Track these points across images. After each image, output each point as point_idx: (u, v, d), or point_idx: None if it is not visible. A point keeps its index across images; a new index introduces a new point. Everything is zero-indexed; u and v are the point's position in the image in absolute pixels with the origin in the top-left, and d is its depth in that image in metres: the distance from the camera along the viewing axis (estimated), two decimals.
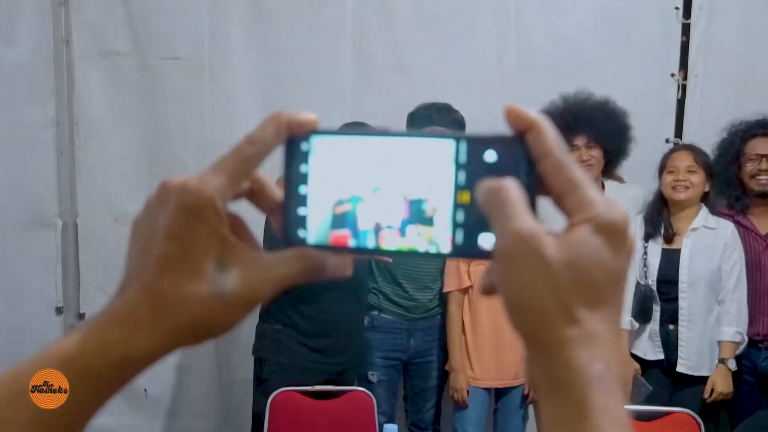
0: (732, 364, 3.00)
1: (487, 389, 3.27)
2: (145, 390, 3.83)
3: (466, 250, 0.52)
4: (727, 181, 3.25)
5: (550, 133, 0.49)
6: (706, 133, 3.34)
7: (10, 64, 3.49)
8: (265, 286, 0.52)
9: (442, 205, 0.52)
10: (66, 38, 3.70)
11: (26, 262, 3.63)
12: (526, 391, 3.25)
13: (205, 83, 3.65)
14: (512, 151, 0.50)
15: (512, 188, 0.48)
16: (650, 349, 3.10)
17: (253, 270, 0.52)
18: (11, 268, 3.53)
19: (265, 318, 3.10)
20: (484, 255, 0.51)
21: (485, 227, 0.50)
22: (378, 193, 0.53)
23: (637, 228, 3.18)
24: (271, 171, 0.56)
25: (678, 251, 3.08)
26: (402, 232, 0.53)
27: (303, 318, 3.01)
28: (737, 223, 3.17)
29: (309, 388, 2.92)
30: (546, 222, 0.47)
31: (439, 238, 0.52)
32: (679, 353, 3.04)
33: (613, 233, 0.47)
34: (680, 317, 3.04)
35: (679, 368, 3.04)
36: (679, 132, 3.52)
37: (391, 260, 3.07)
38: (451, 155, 0.52)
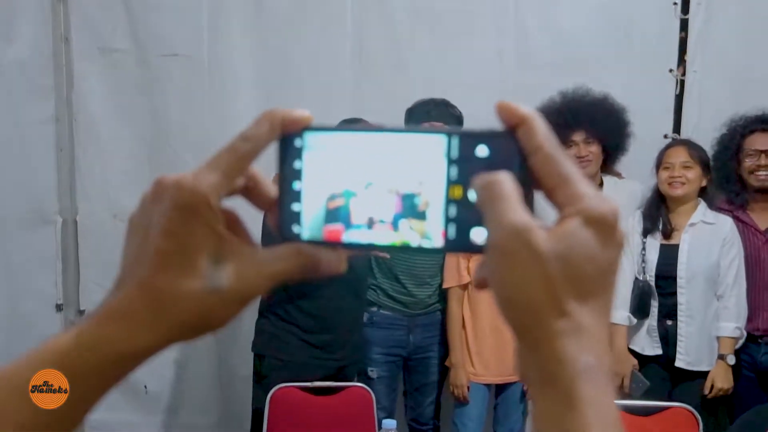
0: (731, 360, 3.00)
1: (488, 385, 3.28)
2: (145, 386, 3.84)
3: (459, 244, 0.52)
4: (726, 177, 3.25)
5: (541, 128, 0.50)
6: (704, 128, 3.34)
7: (9, 61, 3.49)
8: (260, 282, 0.53)
9: (434, 199, 0.52)
10: (65, 35, 3.70)
11: (26, 260, 3.63)
12: (525, 388, 3.26)
13: (204, 80, 3.66)
14: (504, 146, 0.51)
15: (506, 182, 0.48)
16: (648, 344, 3.11)
17: (248, 265, 0.52)
18: (11, 266, 3.53)
19: (265, 314, 3.10)
20: (476, 249, 0.51)
21: (477, 222, 0.50)
22: (371, 188, 0.53)
23: (635, 223, 3.19)
24: (267, 168, 0.57)
25: (676, 246, 3.08)
26: (395, 226, 0.53)
27: (302, 314, 3.02)
28: (736, 219, 3.18)
29: (308, 384, 2.92)
30: (541, 216, 0.48)
31: (431, 232, 0.52)
32: (678, 348, 3.05)
33: (603, 226, 0.47)
34: (679, 312, 3.04)
35: (678, 363, 3.04)
36: (677, 128, 3.51)
37: (388, 256, 3.07)
38: (443, 150, 0.52)
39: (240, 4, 3.64)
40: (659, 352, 3.09)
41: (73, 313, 3.84)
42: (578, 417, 0.45)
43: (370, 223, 0.53)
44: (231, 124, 3.64)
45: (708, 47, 3.46)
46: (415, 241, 0.53)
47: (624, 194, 3.30)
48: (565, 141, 3.22)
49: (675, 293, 3.05)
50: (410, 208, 0.53)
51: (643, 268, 3.11)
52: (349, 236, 0.54)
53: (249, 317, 3.20)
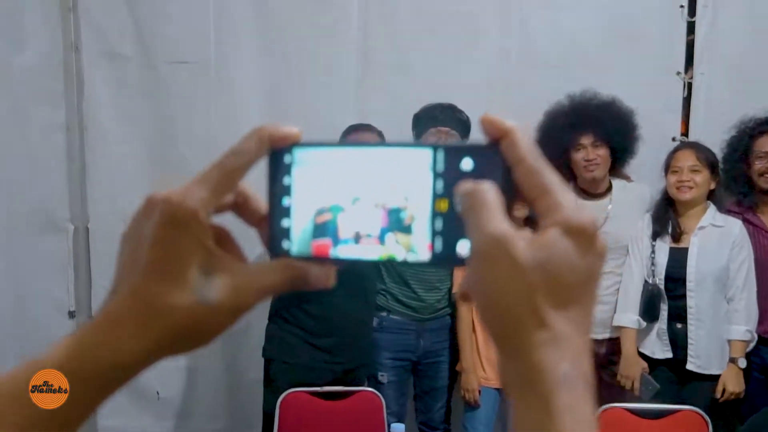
0: (742, 363, 3.00)
1: (498, 389, 3.28)
2: (158, 392, 3.86)
3: (445, 257, 0.53)
4: (735, 179, 3.25)
5: (523, 141, 0.51)
6: (712, 131, 3.32)
7: (19, 69, 3.52)
8: (248, 296, 0.54)
9: (420, 213, 0.53)
10: (75, 43, 3.72)
11: (39, 267, 3.67)
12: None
13: (211, 86, 3.68)
14: (488, 159, 0.52)
15: (489, 191, 0.49)
16: (658, 347, 3.10)
17: (237, 279, 0.53)
18: (24, 273, 3.56)
19: (273, 318, 3.12)
20: (462, 262, 0.52)
21: (463, 234, 0.51)
22: (358, 203, 0.54)
23: (644, 227, 3.19)
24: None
25: (686, 250, 3.08)
26: (381, 240, 0.54)
27: (309, 317, 3.03)
28: (746, 221, 3.17)
29: (318, 388, 2.93)
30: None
31: (417, 245, 0.53)
32: (688, 351, 3.04)
33: (582, 235, 0.48)
34: (688, 316, 3.04)
35: (689, 366, 3.04)
36: (685, 130, 3.51)
37: None
38: (428, 164, 0.53)
39: (246, 10, 3.65)
40: (669, 355, 3.08)
41: (85, 320, 3.86)
42: (555, 424, 0.46)
43: (357, 238, 0.54)
44: (238, 129, 3.61)
45: (715, 49, 3.46)
46: (401, 255, 0.53)
47: (633, 197, 3.30)
48: (573, 144, 3.22)
49: (684, 296, 3.05)
50: (396, 222, 0.53)
51: (653, 271, 3.11)
52: (336, 251, 0.55)
53: (258, 322, 3.22)
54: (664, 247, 3.12)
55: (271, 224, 0.56)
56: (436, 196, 0.53)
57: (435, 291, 3.30)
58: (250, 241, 0.58)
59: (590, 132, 3.19)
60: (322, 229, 0.55)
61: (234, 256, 0.55)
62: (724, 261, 3.05)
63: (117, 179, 3.77)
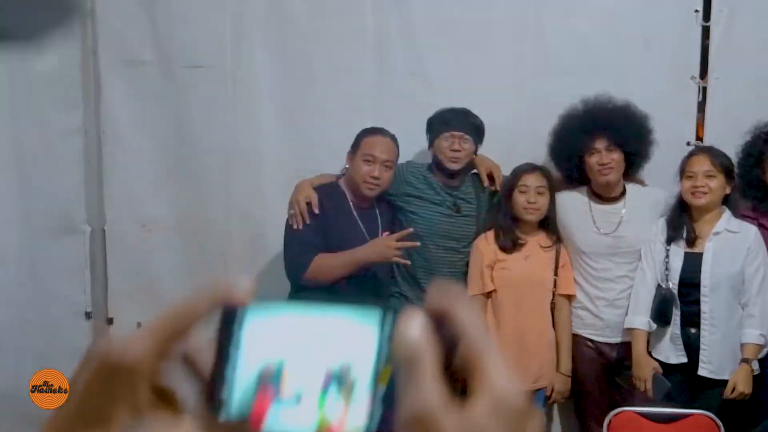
0: (755, 366, 2.99)
1: None
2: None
3: (382, 423, 0.52)
4: (750, 184, 3.23)
5: (463, 319, 0.52)
6: (727, 135, 3.31)
7: (38, 73, 3.56)
8: None
9: (362, 376, 0.52)
10: (93, 48, 3.77)
11: (56, 268, 3.70)
12: (547, 393, 3.27)
13: (227, 91, 3.71)
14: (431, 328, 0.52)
15: (425, 356, 0.50)
16: (672, 352, 3.10)
17: None
18: (41, 274, 3.60)
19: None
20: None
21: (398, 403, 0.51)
22: (302, 364, 0.54)
23: (658, 231, 3.19)
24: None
25: (700, 255, 3.07)
26: (321, 403, 0.53)
27: None
28: (761, 226, 3.16)
29: None
30: None
31: (356, 409, 0.52)
32: (701, 357, 3.03)
33: (510, 414, 0.48)
34: (702, 321, 3.03)
35: (701, 372, 3.03)
36: (700, 135, 3.50)
37: (408, 263, 3.09)
38: (376, 327, 0.53)
39: (262, 16, 3.68)
40: (684, 360, 3.07)
41: (101, 321, 3.90)
42: None
43: (298, 399, 0.53)
44: (254, 133, 3.70)
45: (730, 54, 3.45)
46: (337, 419, 0.52)
47: (647, 201, 3.31)
48: (588, 148, 3.22)
49: (698, 301, 3.04)
50: (338, 385, 0.53)
51: (667, 275, 3.11)
52: (275, 412, 0.53)
53: None
54: (678, 251, 3.12)
55: (214, 380, 0.54)
56: (379, 361, 0.52)
57: None
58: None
59: (604, 136, 3.20)
60: (265, 387, 0.54)
61: (170, 408, 0.54)
62: (738, 266, 3.04)
63: (133, 182, 3.82)
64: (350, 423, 0.52)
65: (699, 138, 3.49)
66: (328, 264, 2.97)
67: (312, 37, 3.68)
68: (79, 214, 3.79)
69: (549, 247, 3.30)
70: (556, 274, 3.29)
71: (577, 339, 3.34)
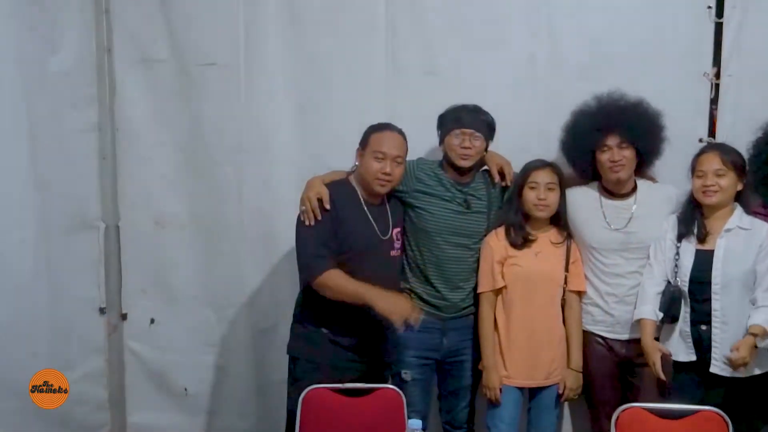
0: (760, 343, 2.92)
1: (521, 388, 3.29)
2: (185, 389, 3.93)
3: None
4: (762, 180, 3.21)
5: None
6: (739, 132, 3.29)
7: (54, 71, 3.60)
8: None
9: None
10: (108, 46, 3.82)
11: (70, 264, 3.74)
12: (560, 390, 3.27)
13: (241, 88, 3.73)
14: None
15: None
16: (682, 350, 3.08)
17: None
18: (56, 270, 3.63)
19: (299, 318, 3.15)
20: None
21: None
22: None
23: (669, 228, 3.18)
24: None
25: (711, 252, 3.05)
26: None
27: (334, 317, 3.05)
28: None
29: (340, 385, 2.96)
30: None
31: None
32: (713, 354, 3.02)
33: None
34: (713, 319, 3.01)
35: (712, 369, 3.01)
36: (712, 131, 3.48)
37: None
38: None
39: (275, 14, 3.69)
40: (693, 358, 3.06)
41: (115, 317, 3.94)
42: None
43: None
44: (267, 130, 3.73)
45: (743, 51, 3.42)
46: None
47: (658, 198, 3.30)
48: (600, 145, 3.22)
49: (709, 299, 3.02)
50: None
51: (676, 273, 3.10)
52: None
53: (286, 321, 3.25)
54: (689, 248, 3.11)
55: None
56: None
57: (459, 290, 3.31)
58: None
59: (617, 133, 3.19)
60: None
61: None
62: (750, 264, 3.02)
63: (147, 179, 3.87)
64: None
65: (712, 135, 3.47)
66: (337, 285, 2.96)
67: (324, 35, 3.69)
68: (93, 211, 3.84)
69: (560, 243, 3.30)
70: (566, 270, 3.28)
71: (587, 336, 3.33)
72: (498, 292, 3.28)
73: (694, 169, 3.12)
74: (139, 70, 3.82)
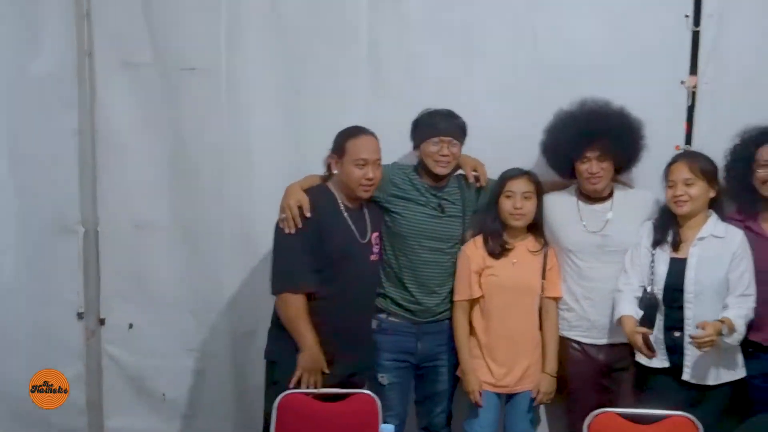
0: (725, 334, 2.90)
1: (499, 394, 3.30)
2: (164, 394, 3.92)
3: None
4: (738, 187, 3.24)
5: None
6: (717, 139, 3.31)
7: (34, 74, 3.61)
8: None
9: None
10: (88, 49, 3.80)
11: (49, 268, 3.75)
12: (533, 395, 3.28)
13: (222, 93, 3.73)
14: None
15: None
16: (657, 356, 3.09)
17: None
18: (35, 274, 3.64)
19: (277, 322, 3.15)
20: None
21: None
22: None
23: (645, 235, 3.20)
24: None
25: (684, 260, 3.07)
26: None
27: (312, 323, 3.05)
28: (748, 229, 3.16)
29: (316, 390, 2.97)
30: None
31: None
32: (684, 361, 3.04)
33: None
34: (686, 326, 3.01)
35: (684, 377, 3.03)
36: (689, 139, 3.51)
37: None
38: None
39: (257, 18, 3.70)
40: (667, 364, 3.08)
41: (94, 322, 3.92)
42: None
43: None
44: (248, 135, 3.73)
45: (720, 59, 3.44)
46: None
47: (634, 203, 3.33)
48: (579, 156, 3.24)
49: (683, 306, 3.04)
50: None
51: (652, 280, 3.11)
52: None
53: (265, 326, 3.25)
54: (663, 256, 3.12)
55: None
56: None
57: (434, 295, 3.32)
58: None
59: (597, 147, 3.20)
60: None
61: None
62: (723, 272, 3.03)
63: (128, 183, 3.86)
64: None
65: (688, 142, 3.49)
66: (290, 311, 3.04)
67: (306, 40, 3.69)
68: (73, 215, 3.83)
69: (537, 251, 3.31)
70: (544, 277, 3.29)
71: (563, 342, 3.34)
72: (475, 300, 3.29)
73: (667, 179, 3.14)
74: (120, 73, 3.81)
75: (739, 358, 3.10)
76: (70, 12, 3.75)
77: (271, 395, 3.05)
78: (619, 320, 3.11)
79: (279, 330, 3.14)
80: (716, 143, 3.29)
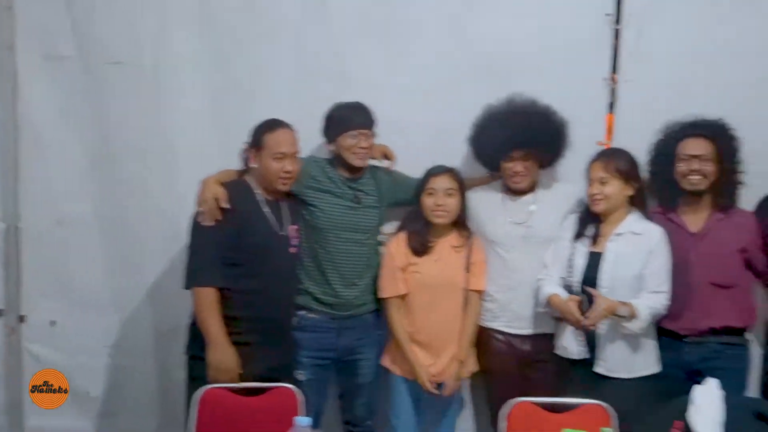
0: (624, 317, 2.97)
1: (414, 381, 3.32)
2: (88, 392, 3.85)
3: None
4: (662, 181, 3.30)
5: None
6: (637, 136, 3.37)
7: None
8: None
9: None
10: (10, 43, 3.73)
11: None
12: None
13: (148, 88, 3.69)
14: None
15: None
16: (575, 347, 3.14)
17: None
18: None
19: (196, 319, 3.11)
20: None
21: None
22: None
23: (567, 227, 3.23)
24: None
25: (601, 254, 3.12)
26: None
27: (231, 317, 3.04)
28: (669, 221, 3.23)
29: (236, 384, 2.94)
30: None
31: None
32: (597, 354, 3.09)
33: None
34: None
35: (596, 369, 3.09)
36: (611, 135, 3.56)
37: None
38: None
39: (184, 13, 3.67)
40: (586, 356, 3.12)
41: (14, 320, 3.84)
42: None
43: None
44: (173, 131, 3.69)
45: (641, 57, 3.49)
46: None
47: (557, 195, 3.39)
48: (504, 155, 3.27)
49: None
50: None
51: (570, 272, 3.15)
52: None
53: (186, 323, 3.21)
54: (582, 250, 3.17)
55: None
56: None
57: (353, 287, 3.32)
58: None
59: (522, 148, 3.26)
60: None
61: None
62: (638, 268, 3.08)
63: (50, 178, 3.80)
64: None
65: (609, 138, 3.54)
66: (204, 306, 3.02)
67: (233, 36, 3.68)
68: None
69: (460, 246, 3.33)
70: (468, 271, 3.31)
71: (487, 333, 3.37)
72: (403, 296, 3.30)
73: (587, 176, 3.19)
74: (43, 67, 3.74)
75: (654, 351, 3.16)
76: None
77: (192, 391, 3.01)
78: (547, 301, 3.15)
79: (198, 326, 3.10)
80: (638, 139, 3.35)
